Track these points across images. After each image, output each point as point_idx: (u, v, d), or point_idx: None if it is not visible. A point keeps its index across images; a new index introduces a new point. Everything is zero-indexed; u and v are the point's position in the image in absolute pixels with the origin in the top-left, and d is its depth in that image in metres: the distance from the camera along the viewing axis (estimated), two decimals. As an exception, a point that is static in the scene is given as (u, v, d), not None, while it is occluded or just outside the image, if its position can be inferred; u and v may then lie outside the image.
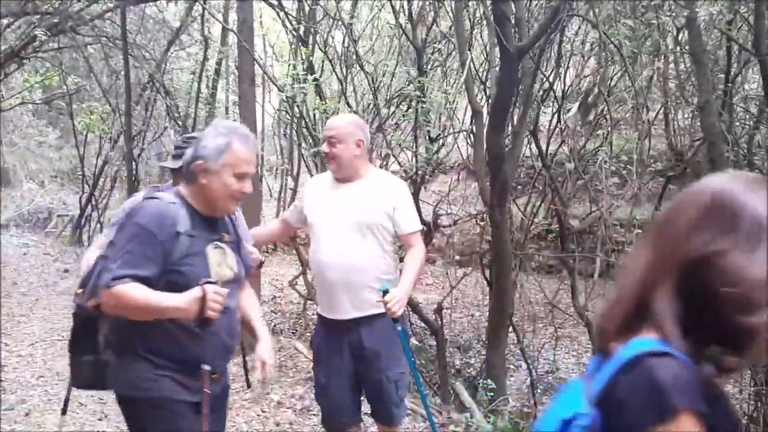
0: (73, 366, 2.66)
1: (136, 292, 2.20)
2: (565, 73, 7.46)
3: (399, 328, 2.98)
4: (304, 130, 7.60)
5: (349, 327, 3.07)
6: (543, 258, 9.49)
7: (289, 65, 6.28)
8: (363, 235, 3.02)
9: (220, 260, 2.40)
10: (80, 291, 2.57)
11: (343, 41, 8.38)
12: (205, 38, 9.02)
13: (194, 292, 2.20)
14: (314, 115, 7.77)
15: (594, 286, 4.96)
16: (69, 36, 8.86)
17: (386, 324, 2.99)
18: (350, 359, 3.10)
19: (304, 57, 6.42)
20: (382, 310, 2.92)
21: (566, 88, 7.34)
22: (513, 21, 4.71)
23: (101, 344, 2.53)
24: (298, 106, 6.27)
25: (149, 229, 2.25)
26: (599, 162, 4.00)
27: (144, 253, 2.23)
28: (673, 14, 6.05)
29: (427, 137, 6.89)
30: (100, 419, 4.94)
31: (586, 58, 7.18)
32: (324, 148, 3.05)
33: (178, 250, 2.27)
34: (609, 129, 4.78)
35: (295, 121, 7.67)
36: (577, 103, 6.00)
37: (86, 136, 11.98)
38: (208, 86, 10.05)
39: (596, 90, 6.28)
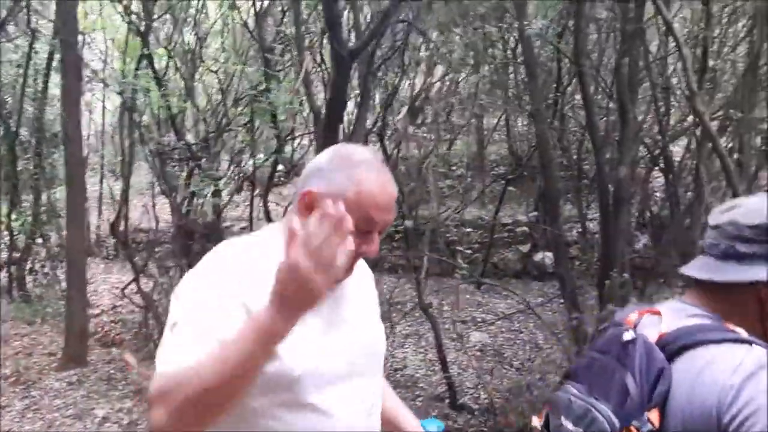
0: None
1: None
2: (404, 78, 7.65)
3: None
4: (143, 129, 7.22)
5: None
6: (394, 258, 9.71)
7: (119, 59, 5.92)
8: (376, 378, 1.54)
9: None
10: None
11: (183, 39, 8.05)
12: (33, 30, 8.31)
13: None
14: (158, 113, 7.43)
15: (426, 283, 5.11)
16: None
17: None
18: None
19: (139, 51, 6.09)
20: None
21: (413, 94, 7.54)
22: (351, 24, 4.76)
23: None
24: (132, 105, 5.92)
25: None
26: (426, 165, 4.12)
27: None
28: (505, 25, 6.42)
29: (275, 138, 6.80)
30: None
31: (421, 65, 7.42)
32: (371, 245, 1.38)
33: None
34: (440, 134, 4.97)
35: (131, 118, 7.24)
36: (405, 107, 6.21)
37: None
38: (37, 81, 9.28)
39: (423, 95, 6.57)
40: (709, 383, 1.10)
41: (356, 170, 1.34)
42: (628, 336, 1.22)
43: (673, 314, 1.26)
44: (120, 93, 5.21)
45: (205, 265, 1.35)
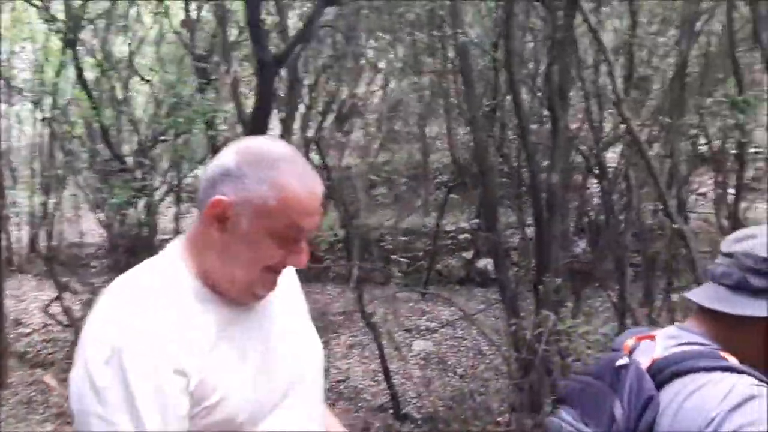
0: None
1: None
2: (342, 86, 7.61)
3: None
4: (74, 141, 6.98)
5: None
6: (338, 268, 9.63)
7: (35, 69, 5.70)
8: (316, 385, 1.42)
9: None
10: None
11: (112, 49, 7.83)
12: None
13: None
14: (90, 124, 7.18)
15: (362, 292, 5.07)
16: None
17: None
18: None
19: (64, 60, 5.87)
20: None
21: (346, 101, 7.50)
22: (280, 29, 4.69)
23: None
24: (51, 115, 5.69)
25: None
26: (356, 174, 4.08)
27: None
28: (441, 34, 6.45)
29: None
30: None
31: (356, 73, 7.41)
32: (301, 256, 1.21)
33: None
34: (373, 142, 4.94)
35: (52, 129, 6.96)
36: (333, 114, 6.17)
37: None
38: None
39: (352, 102, 6.55)
40: (695, 409, 1.08)
41: (274, 171, 1.14)
42: (621, 362, 1.21)
43: (668, 340, 1.25)
44: (35, 103, 4.99)
45: (114, 325, 1.11)
